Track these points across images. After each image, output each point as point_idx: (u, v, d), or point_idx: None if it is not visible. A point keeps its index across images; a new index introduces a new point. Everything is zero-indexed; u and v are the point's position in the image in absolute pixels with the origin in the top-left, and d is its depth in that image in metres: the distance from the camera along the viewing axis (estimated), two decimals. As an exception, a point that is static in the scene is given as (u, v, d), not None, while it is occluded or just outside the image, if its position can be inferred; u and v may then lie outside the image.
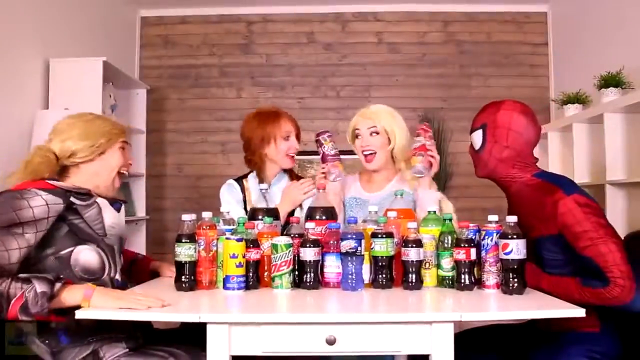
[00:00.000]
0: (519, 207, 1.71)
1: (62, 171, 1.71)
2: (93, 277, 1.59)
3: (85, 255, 1.60)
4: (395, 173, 2.17)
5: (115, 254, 1.69)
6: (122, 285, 1.69)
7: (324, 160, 2.06)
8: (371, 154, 2.10)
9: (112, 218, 1.69)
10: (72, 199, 1.60)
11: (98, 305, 1.44)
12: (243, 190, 2.30)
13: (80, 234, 1.61)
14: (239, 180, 2.33)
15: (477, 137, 1.79)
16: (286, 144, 2.26)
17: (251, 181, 2.31)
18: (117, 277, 1.69)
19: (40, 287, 1.41)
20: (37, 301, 1.39)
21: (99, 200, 1.68)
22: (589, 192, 1.73)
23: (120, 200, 1.80)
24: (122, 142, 1.78)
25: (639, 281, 1.51)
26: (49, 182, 1.60)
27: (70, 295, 1.45)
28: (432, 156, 1.96)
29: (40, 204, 1.52)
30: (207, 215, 1.71)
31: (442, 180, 3.89)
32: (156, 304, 1.42)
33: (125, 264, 1.87)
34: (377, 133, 2.09)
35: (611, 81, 3.05)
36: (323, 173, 2.04)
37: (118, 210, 1.75)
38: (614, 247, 1.52)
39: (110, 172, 1.74)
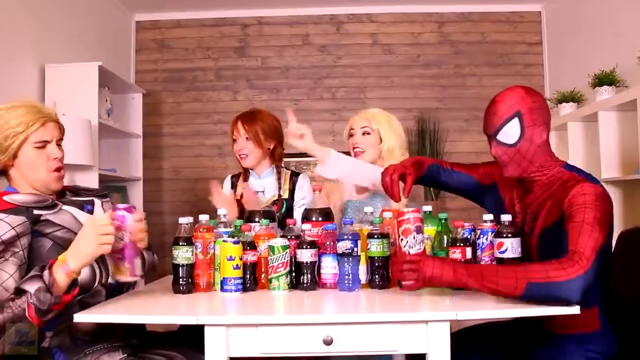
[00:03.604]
0: (536, 197, 1.62)
1: (4, 174, 1.60)
2: (88, 291, 1.52)
3: None
4: None
5: (104, 256, 1.56)
6: (115, 289, 1.66)
7: None
8: (360, 152, 2.22)
9: None
10: (36, 212, 1.51)
11: (82, 263, 1.40)
12: (235, 184, 2.38)
13: (65, 244, 1.49)
14: (239, 174, 2.43)
15: (513, 128, 1.57)
16: (235, 145, 2.32)
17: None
18: (111, 280, 1.63)
19: (32, 287, 1.35)
20: (41, 299, 1.34)
21: (66, 207, 1.59)
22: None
23: (87, 201, 1.70)
24: (38, 142, 1.57)
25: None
26: (6, 198, 1.51)
27: (60, 278, 1.39)
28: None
29: (6, 230, 1.45)
30: (204, 218, 1.71)
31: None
32: (109, 233, 1.39)
33: None
34: (369, 133, 2.22)
35: (605, 80, 3.07)
36: None
37: (90, 212, 1.65)
38: (595, 238, 1.43)
39: (33, 174, 1.58)
